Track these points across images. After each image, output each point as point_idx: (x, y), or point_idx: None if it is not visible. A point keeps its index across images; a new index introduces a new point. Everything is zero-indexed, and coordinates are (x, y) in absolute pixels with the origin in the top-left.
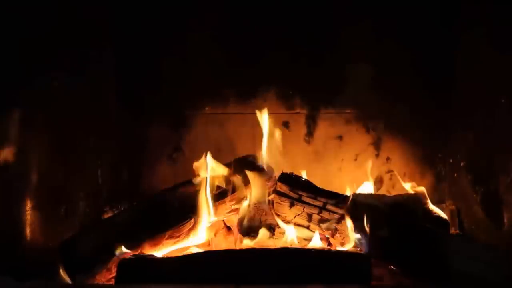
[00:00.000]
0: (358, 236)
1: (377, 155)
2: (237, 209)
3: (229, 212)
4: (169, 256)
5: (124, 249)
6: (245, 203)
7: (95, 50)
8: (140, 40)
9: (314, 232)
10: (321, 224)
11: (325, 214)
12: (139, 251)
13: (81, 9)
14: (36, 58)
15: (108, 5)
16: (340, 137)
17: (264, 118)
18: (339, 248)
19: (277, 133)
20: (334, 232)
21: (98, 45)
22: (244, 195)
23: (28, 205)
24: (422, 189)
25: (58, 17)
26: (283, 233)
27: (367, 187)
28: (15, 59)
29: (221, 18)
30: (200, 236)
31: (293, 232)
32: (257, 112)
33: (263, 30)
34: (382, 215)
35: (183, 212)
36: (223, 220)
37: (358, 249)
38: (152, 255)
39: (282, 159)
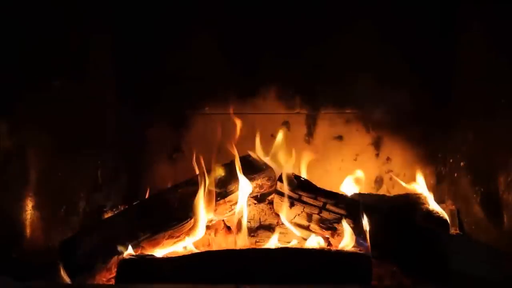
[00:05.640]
0: (358, 236)
1: (377, 155)
2: None
3: (229, 212)
4: (169, 256)
5: (124, 249)
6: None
7: (95, 50)
8: (140, 40)
9: (314, 232)
10: (320, 224)
11: (325, 214)
12: (139, 251)
13: (81, 9)
14: (35, 58)
15: (108, 5)
16: (340, 137)
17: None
18: (339, 248)
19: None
20: (334, 232)
21: (98, 45)
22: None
23: (28, 205)
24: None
25: (59, 17)
26: (283, 233)
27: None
28: (15, 59)
29: (222, 19)
30: (200, 235)
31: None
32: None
33: (263, 30)
34: (382, 215)
35: (183, 212)
36: (223, 220)
37: (358, 249)
38: (152, 255)
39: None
